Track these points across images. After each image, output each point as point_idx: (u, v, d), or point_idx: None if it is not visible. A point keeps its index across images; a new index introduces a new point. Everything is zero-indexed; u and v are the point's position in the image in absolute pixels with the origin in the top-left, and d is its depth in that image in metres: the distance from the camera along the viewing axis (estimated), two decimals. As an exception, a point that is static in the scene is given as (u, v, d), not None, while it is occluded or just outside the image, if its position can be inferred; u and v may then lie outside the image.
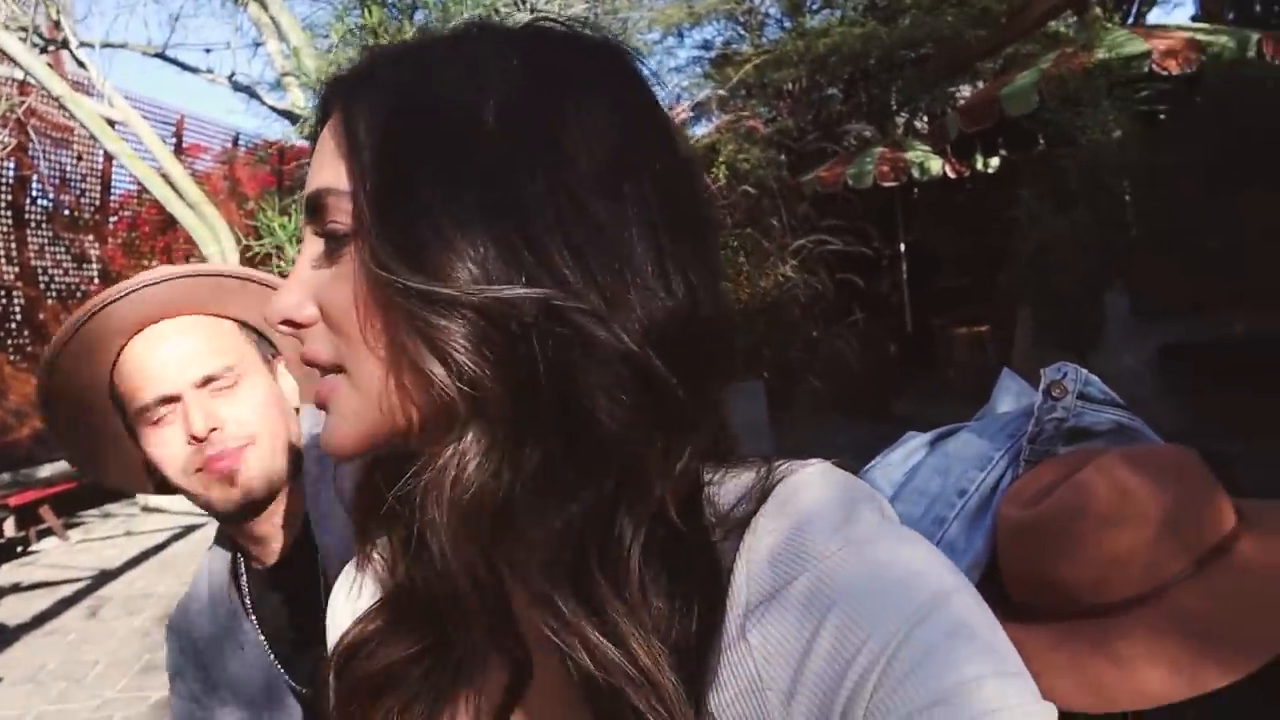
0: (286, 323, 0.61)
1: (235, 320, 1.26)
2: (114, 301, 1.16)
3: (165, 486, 1.26)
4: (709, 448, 0.60)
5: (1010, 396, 1.31)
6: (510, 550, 0.56)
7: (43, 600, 6.72)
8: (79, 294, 10.62)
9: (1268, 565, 0.95)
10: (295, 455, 1.26)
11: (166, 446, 1.18)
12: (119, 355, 1.20)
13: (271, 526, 1.25)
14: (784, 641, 0.55)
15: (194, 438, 1.17)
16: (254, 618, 1.29)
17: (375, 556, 0.72)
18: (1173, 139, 5.38)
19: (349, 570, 0.78)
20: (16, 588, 7.06)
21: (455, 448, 0.55)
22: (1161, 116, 5.99)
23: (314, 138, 0.64)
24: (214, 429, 1.17)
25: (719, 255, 0.62)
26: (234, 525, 1.26)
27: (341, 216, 0.58)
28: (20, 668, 5.53)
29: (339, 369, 0.60)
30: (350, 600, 0.77)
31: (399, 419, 0.58)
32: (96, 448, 1.29)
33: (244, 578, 1.31)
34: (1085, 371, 1.15)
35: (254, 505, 1.21)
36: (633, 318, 0.54)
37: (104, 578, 7.03)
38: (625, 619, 0.55)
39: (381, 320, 0.56)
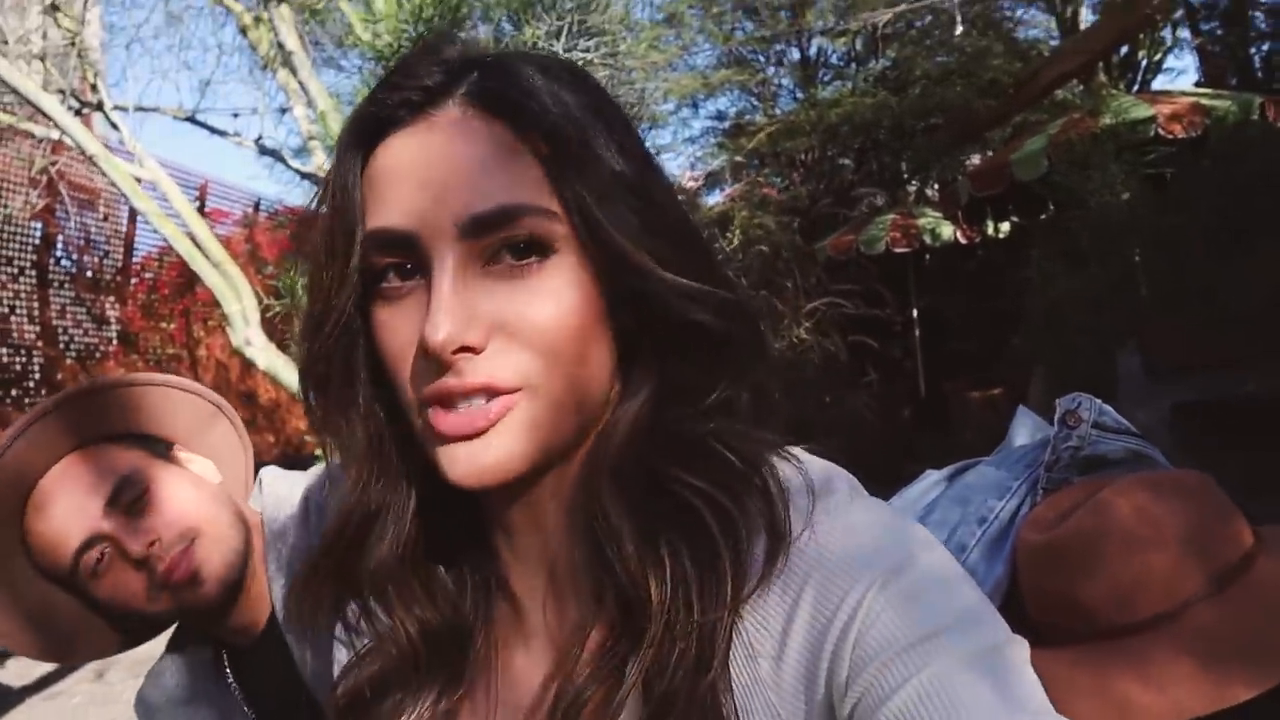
0: (462, 349, 0.59)
1: (107, 440, 1.19)
2: None
3: (138, 633, 1.23)
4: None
5: (1026, 431, 1.34)
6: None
7: (45, 664, 6.66)
8: (97, 354, 10.72)
9: (1286, 583, 0.97)
10: (247, 531, 1.21)
11: (120, 586, 1.12)
12: (24, 538, 1.14)
13: (248, 608, 1.21)
14: (768, 613, 0.60)
15: (139, 562, 1.11)
16: (242, 698, 1.24)
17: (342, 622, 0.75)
18: (1180, 200, 5.44)
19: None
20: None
21: (632, 404, 0.66)
22: (1168, 179, 6.06)
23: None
24: (152, 542, 1.11)
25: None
26: (216, 622, 1.21)
27: (543, 231, 0.60)
28: (26, 729, 5.46)
29: (518, 389, 0.61)
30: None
31: (570, 426, 0.64)
32: (57, 637, 1.22)
33: (225, 662, 1.27)
34: (1099, 402, 1.18)
35: (230, 592, 1.17)
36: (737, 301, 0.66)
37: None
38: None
39: (602, 326, 0.63)
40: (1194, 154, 6.32)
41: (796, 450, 0.68)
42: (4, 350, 9.81)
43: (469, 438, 0.60)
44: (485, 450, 0.60)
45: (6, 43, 5.57)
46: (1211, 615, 0.97)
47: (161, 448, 1.22)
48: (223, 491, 1.24)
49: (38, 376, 10.33)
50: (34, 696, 6.03)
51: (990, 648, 0.56)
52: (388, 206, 0.61)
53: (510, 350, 0.60)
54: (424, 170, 0.61)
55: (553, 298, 0.61)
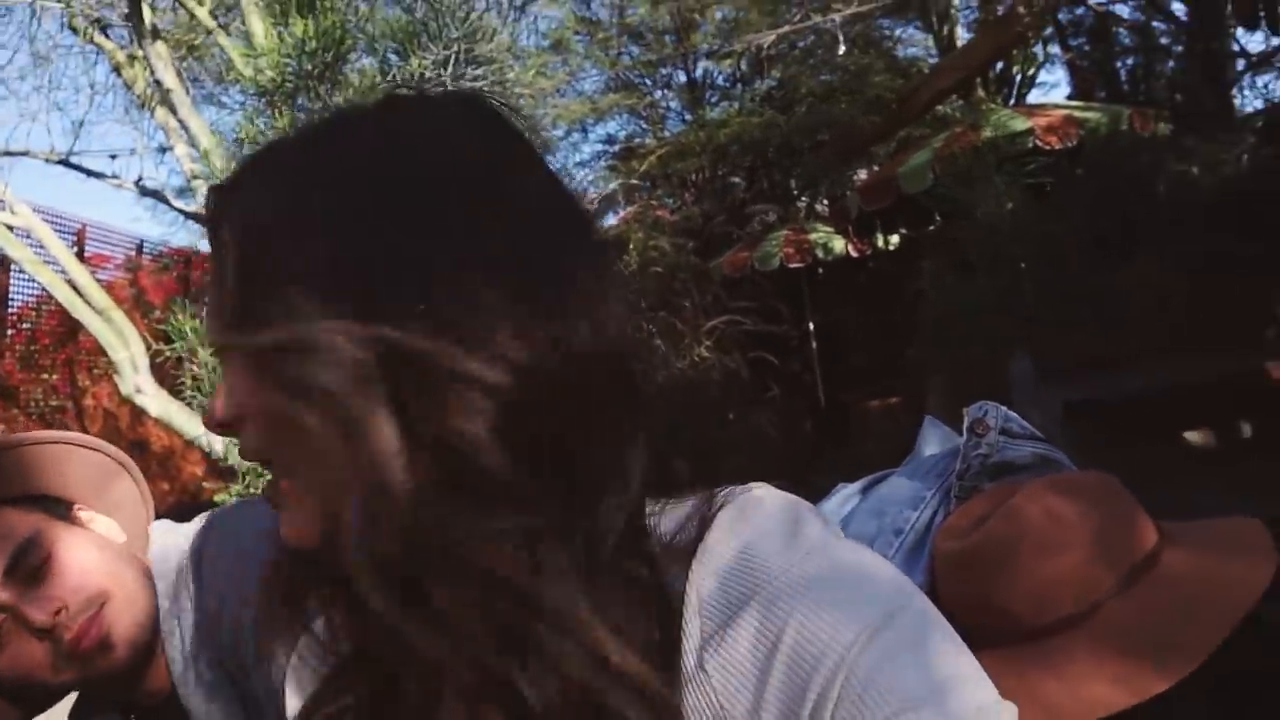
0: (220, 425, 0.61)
1: (4, 503, 1.11)
2: None
3: (38, 704, 1.14)
4: (649, 481, 0.60)
5: (935, 440, 1.36)
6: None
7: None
8: (-27, 411, 10.18)
9: (1191, 575, 1.00)
10: (154, 589, 1.15)
11: (21, 658, 1.05)
12: None
13: (159, 668, 1.14)
14: (741, 667, 0.54)
15: (42, 631, 1.03)
16: None
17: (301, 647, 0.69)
18: (1060, 208, 5.67)
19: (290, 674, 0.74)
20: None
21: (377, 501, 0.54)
22: (1048, 188, 6.31)
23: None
24: (58, 611, 1.04)
25: (605, 290, 0.60)
26: (127, 686, 1.14)
27: None
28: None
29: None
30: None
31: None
32: None
33: None
34: (1004, 409, 1.21)
35: (141, 654, 1.11)
36: (497, 356, 0.53)
37: None
38: (592, 633, 0.54)
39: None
40: (1070, 164, 6.61)
41: (757, 485, 0.64)
42: None
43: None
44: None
45: None
46: (1123, 611, 0.99)
47: (61, 509, 1.15)
48: (126, 550, 1.17)
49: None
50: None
51: (993, 703, 0.55)
52: None
53: (260, 434, 0.60)
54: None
55: None
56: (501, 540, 0.53)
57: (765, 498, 0.62)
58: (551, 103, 11.84)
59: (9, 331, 10.87)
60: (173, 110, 4.45)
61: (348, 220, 0.55)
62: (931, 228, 8.39)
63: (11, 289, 10.67)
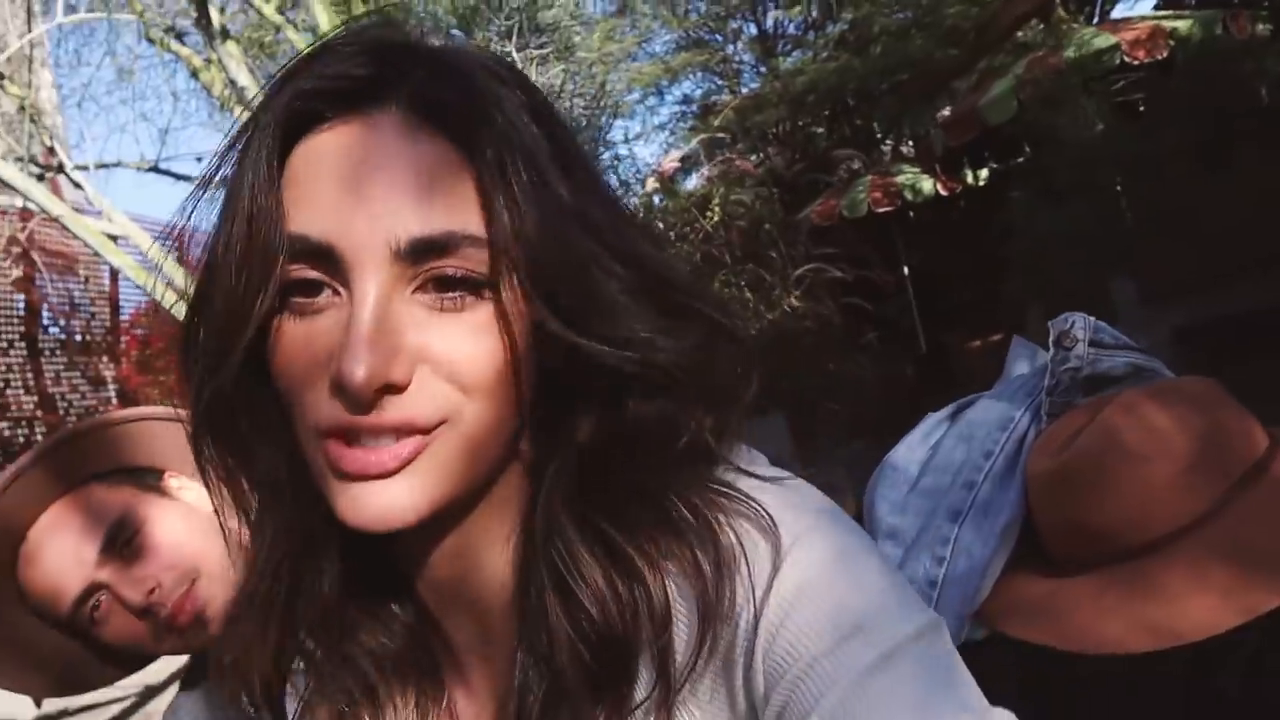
0: (380, 389, 0.53)
1: (96, 479, 1.15)
2: None
3: (148, 661, 1.20)
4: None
5: (1024, 361, 1.31)
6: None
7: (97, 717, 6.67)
8: (98, 415, 10.69)
9: (1307, 479, 0.94)
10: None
11: (124, 631, 1.10)
12: (19, 588, 1.12)
13: None
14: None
15: (141, 609, 1.08)
16: None
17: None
18: (1154, 125, 5.41)
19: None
20: (64, 713, 7.00)
21: (564, 452, 0.61)
22: (1140, 105, 6.03)
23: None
24: (151, 590, 1.08)
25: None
26: None
27: (476, 264, 0.54)
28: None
29: (439, 424, 0.55)
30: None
31: (483, 468, 0.59)
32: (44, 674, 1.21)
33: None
34: (1093, 319, 1.15)
35: None
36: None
37: (149, 693, 6.96)
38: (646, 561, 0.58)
39: (529, 367, 0.58)
40: (1162, 77, 6.28)
41: (782, 489, 0.61)
42: (4, 424, 9.79)
43: (373, 478, 0.55)
44: (390, 493, 0.55)
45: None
46: (1229, 523, 0.94)
47: (151, 479, 1.19)
48: (215, 520, 1.20)
49: (41, 446, 10.30)
50: None
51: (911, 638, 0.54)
52: (308, 213, 0.54)
53: (434, 386, 0.55)
54: (356, 178, 0.54)
55: (482, 335, 0.55)
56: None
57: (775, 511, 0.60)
58: (623, 67, 11.78)
59: (123, 339, 11.36)
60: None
61: (585, 170, 0.61)
62: (1020, 159, 8.10)
63: (121, 297, 11.16)
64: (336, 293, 0.55)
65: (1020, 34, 9.08)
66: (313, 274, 0.54)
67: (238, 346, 0.56)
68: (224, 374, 0.57)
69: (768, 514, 0.57)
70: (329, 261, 0.54)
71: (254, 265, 0.54)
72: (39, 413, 10.17)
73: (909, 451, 1.26)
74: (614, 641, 0.57)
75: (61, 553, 1.10)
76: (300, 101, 0.56)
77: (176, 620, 1.09)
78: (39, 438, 10.19)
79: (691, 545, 0.57)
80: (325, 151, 0.55)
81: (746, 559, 0.56)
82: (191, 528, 1.15)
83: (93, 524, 1.11)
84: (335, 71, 0.56)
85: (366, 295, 0.53)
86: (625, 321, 0.57)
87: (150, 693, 6.72)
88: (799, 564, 0.55)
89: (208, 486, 0.65)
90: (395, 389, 0.53)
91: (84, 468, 1.16)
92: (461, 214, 0.54)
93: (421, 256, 0.53)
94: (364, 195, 0.53)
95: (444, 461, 0.56)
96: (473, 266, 0.54)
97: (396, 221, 0.53)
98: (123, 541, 1.10)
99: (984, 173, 9.38)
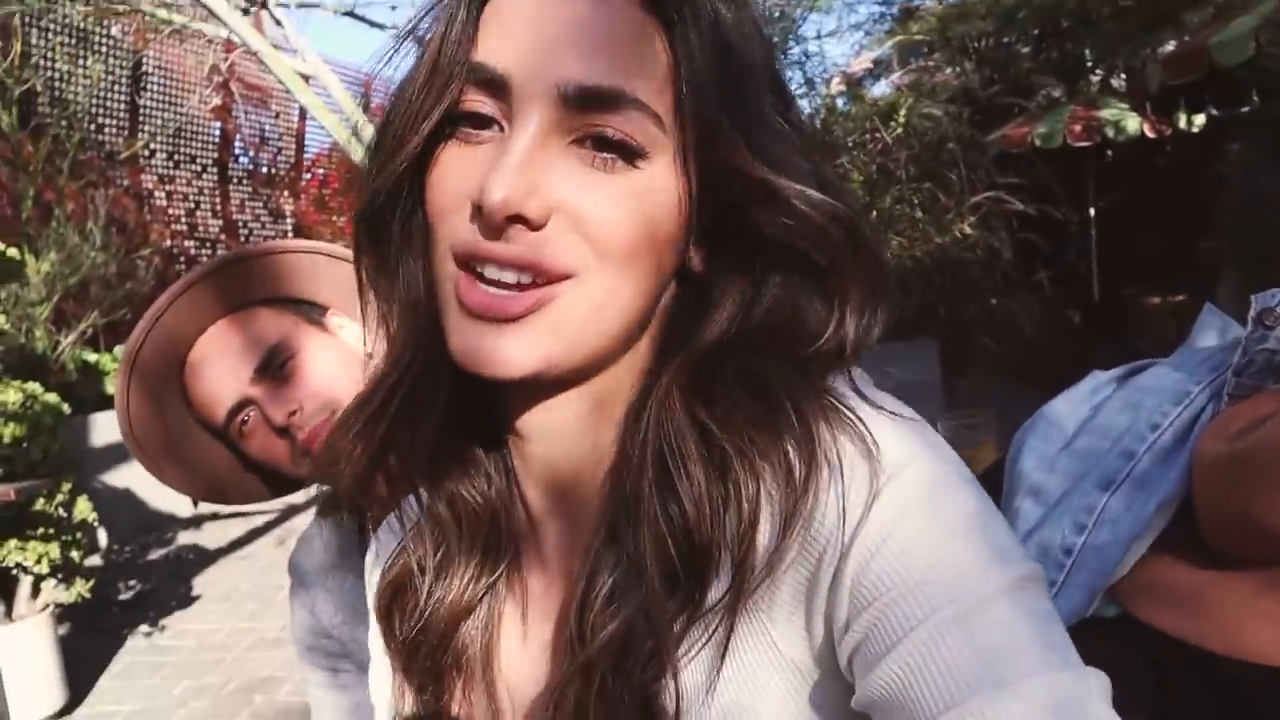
0: (516, 218, 0.55)
1: (261, 303, 1.23)
2: (146, 335, 1.17)
3: (288, 486, 1.28)
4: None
5: (1213, 332, 1.20)
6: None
7: (237, 528, 7.24)
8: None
9: None
10: None
11: (266, 448, 1.19)
12: (184, 394, 1.22)
13: None
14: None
15: (281, 429, 1.16)
16: None
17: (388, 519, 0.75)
18: None
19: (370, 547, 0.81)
20: (215, 516, 7.62)
21: (708, 329, 0.61)
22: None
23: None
24: (292, 412, 1.16)
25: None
26: (363, 490, 1.26)
27: (640, 133, 0.56)
28: (217, 587, 6.00)
29: (564, 277, 0.57)
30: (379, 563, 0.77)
31: (604, 338, 0.59)
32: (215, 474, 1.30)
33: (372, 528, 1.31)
34: (1304, 299, 1.03)
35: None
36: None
37: (291, 511, 7.50)
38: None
39: (673, 245, 0.60)
40: None
41: (896, 421, 0.59)
42: (192, 243, 10.46)
43: (493, 321, 0.56)
44: (506, 341, 0.56)
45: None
46: None
47: (316, 312, 1.26)
48: (368, 362, 1.25)
49: (222, 268, 10.98)
50: (227, 557, 6.60)
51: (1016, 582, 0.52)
52: (496, 44, 0.56)
53: (567, 237, 0.56)
54: (545, 19, 0.56)
55: (626, 201, 0.56)
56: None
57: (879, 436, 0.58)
58: (827, -39, 11.28)
59: (305, 176, 11.87)
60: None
61: (775, 79, 0.63)
62: (1246, 108, 7.42)
63: (307, 136, 11.62)
64: (503, 129, 0.57)
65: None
66: (486, 107, 0.57)
67: (404, 155, 0.58)
68: (384, 180, 0.60)
69: (873, 438, 0.55)
70: (502, 95, 0.56)
71: (436, 82, 0.57)
72: (223, 236, 10.81)
73: (1068, 408, 1.18)
74: (699, 540, 0.56)
75: (221, 366, 1.18)
76: None
77: (312, 445, 1.15)
78: (220, 260, 10.85)
79: (788, 453, 0.55)
80: None
81: (843, 478, 0.54)
82: (341, 364, 1.21)
83: (253, 344, 1.19)
84: None
85: (526, 129, 0.55)
86: (804, 182, 0.59)
87: (292, 510, 7.24)
88: (899, 495, 0.53)
89: (361, 296, 0.67)
90: (529, 225, 0.55)
91: (252, 290, 1.23)
92: (638, 79, 0.55)
93: (586, 106, 0.55)
94: (546, 36, 0.55)
95: (564, 320, 0.57)
96: (633, 132, 0.55)
97: (570, 66, 0.55)
98: (277, 365, 1.18)
99: (1200, 118, 8.67)
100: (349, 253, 1.28)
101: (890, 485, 0.54)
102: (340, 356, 1.22)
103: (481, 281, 0.56)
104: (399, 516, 0.73)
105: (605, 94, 0.54)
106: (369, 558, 0.81)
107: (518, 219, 0.55)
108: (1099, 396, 1.19)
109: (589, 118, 0.55)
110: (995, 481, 1.19)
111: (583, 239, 0.56)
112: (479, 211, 0.55)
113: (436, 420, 0.65)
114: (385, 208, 0.62)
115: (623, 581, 0.59)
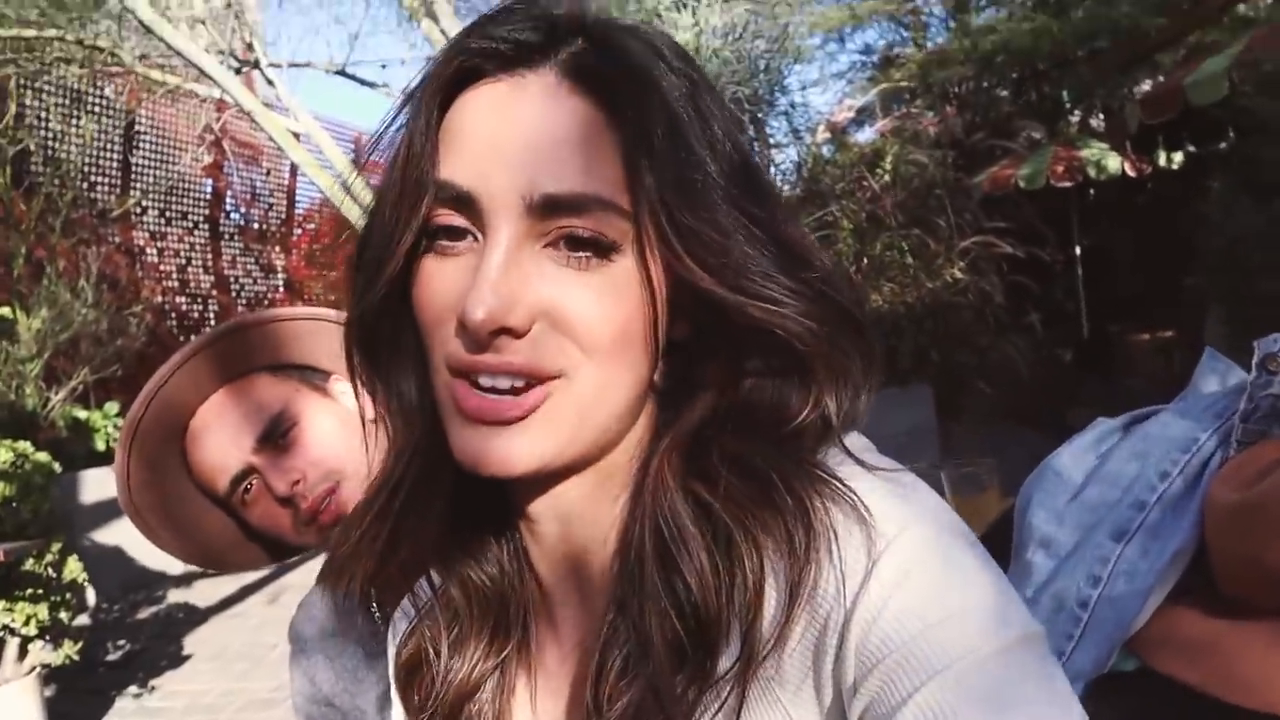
0: (501, 331, 0.57)
1: (265, 369, 1.23)
2: (151, 400, 1.17)
3: (287, 553, 1.27)
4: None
5: (1216, 376, 1.21)
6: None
7: (229, 586, 7.15)
8: (266, 302, 11.30)
9: None
10: None
11: (268, 517, 1.18)
12: (185, 461, 1.21)
13: None
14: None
15: (284, 499, 1.16)
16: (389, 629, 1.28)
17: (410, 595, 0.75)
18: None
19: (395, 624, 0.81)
20: (206, 574, 7.53)
21: (688, 416, 0.63)
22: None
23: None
24: (295, 482, 1.15)
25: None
26: None
27: (609, 229, 0.57)
28: (207, 647, 5.90)
29: (554, 378, 0.58)
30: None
31: (603, 427, 0.61)
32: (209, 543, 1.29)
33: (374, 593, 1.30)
34: (1306, 344, 1.05)
35: None
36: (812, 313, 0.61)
37: (283, 568, 7.43)
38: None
39: (652, 331, 0.60)
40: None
41: (889, 482, 0.60)
42: (184, 299, 10.46)
43: (492, 424, 0.58)
44: (511, 443, 0.59)
45: (169, 8, 5.82)
46: None
47: (318, 378, 1.25)
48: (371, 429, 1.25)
49: (213, 323, 10.99)
50: (218, 616, 6.51)
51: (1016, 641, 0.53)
52: (457, 161, 0.58)
53: (553, 338, 0.58)
54: (503, 132, 0.57)
55: (605, 296, 0.58)
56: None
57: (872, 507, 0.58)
58: (808, 10, 11.45)
59: (296, 231, 11.92)
60: (436, 20, 4.63)
61: (732, 141, 0.62)
62: (1223, 145, 7.54)
63: (298, 192, 11.68)
64: (476, 239, 0.59)
65: (1242, 5, 8.39)
66: (458, 221, 0.59)
67: (384, 275, 0.61)
68: (371, 299, 0.62)
69: (864, 505, 0.57)
70: (471, 209, 0.58)
71: (405, 203, 0.59)
72: (214, 292, 10.82)
73: (1074, 458, 1.19)
74: (705, 613, 0.58)
75: (223, 435, 1.18)
76: (466, 58, 0.60)
77: (316, 515, 1.15)
78: (212, 315, 10.86)
79: (787, 525, 0.57)
80: (480, 106, 0.59)
81: (838, 546, 0.56)
82: (344, 430, 1.21)
83: (255, 412, 1.18)
84: (503, 34, 0.59)
85: (498, 243, 0.57)
86: (760, 284, 0.58)
87: (285, 567, 7.18)
88: (898, 560, 0.55)
89: (357, 397, 0.70)
90: (512, 335, 0.57)
91: (254, 357, 1.23)
92: (598, 177, 0.57)
93: (553, 213, 0.56)
94: (505, 149, 0.57)
95: (560, 418, 0.59)
96: (603, 229, 0.57)
97: (532, 176, 0.56)
98: (280, 433, 1.17)
99: (1179, 157, 8.80)
100: None
101: (889, 551, 0.55)
102: (343, 423, 1.22)
103: (477, 389, 0.58)
104: (412, 596, 0.75)
105: (569, 200, 0.56)
106: (389, 636, 0.82)
107: (502, 331, 0.56)
108: (1105, 445, 1.19)
109: (558, 221, 0.57)
110: (1004, 534, 1.19)
111: (568, 339, 0.58)
112: (463, 327, 0.57)
113: (442, 511, 0.67)
114: (374, 323, 0.64)
115: (636, 654, 0.60)
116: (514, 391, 0.58)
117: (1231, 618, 0.95)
